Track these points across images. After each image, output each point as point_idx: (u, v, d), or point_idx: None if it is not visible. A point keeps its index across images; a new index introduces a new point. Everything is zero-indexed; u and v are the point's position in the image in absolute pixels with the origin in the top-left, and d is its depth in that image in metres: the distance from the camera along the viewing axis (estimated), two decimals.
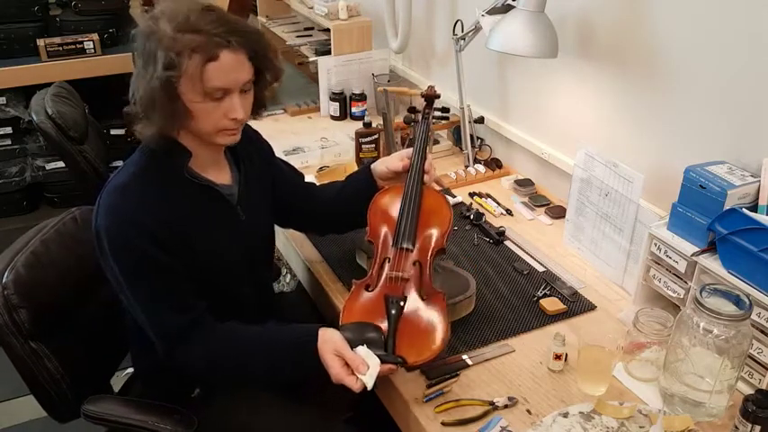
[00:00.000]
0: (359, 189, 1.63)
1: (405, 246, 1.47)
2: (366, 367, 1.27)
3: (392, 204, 1.55)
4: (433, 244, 1.49)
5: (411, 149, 1.60)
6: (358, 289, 1.45)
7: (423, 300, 1.40)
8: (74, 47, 3.51)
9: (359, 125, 2.27)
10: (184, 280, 1.37)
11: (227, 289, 1.47)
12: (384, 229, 1.52)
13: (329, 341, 1.30)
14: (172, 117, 1.29)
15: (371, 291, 1.44)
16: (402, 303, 1.38)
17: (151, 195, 1.34)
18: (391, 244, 1.49)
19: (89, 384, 1.57)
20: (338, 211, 1.66)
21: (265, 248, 1.62)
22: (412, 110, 1.97)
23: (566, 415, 1.30)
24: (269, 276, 1.72)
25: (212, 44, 1.25)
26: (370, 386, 1.26)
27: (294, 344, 1.35)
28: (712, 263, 1.37)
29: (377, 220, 1.54)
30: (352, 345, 1.30)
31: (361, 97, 2.60)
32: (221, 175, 1.46)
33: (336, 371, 1.28)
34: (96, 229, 1.35)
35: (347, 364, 1.28)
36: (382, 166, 1.62)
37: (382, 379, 1.43)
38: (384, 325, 1.35)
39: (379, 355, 1.29)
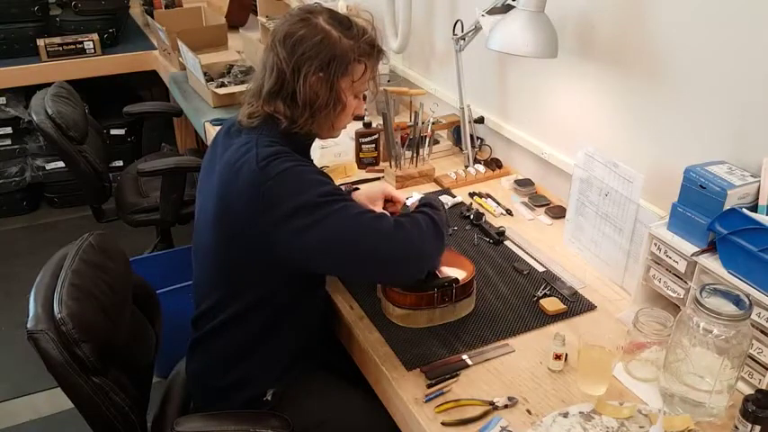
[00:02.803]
0: None
1: None
2: None
3: None
4: None
5: (390, 188, 1.75)
6: None
7: None
8: (74, 47, 3.51)
9: (359, 125, 2.27)
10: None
11: None
12: None
13: None
14: (334, 113, 1.46)
15: None
16: None
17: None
18: None
19: (144, 411, 1.54)
20: None
21: None
22: None
23: (566, 415, 1.30)
24: None
25: (379, 53, 1.49)
26: None
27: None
28: (712, 263, 1.37)
29: None
30: None
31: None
32: None
33: None
34: (265, 192, 1.33)
35: None
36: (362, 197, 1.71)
37: (382, 379, 1.43)
38: None
39: (435, 283, 1.49)
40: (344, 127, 1.56)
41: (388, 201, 1.72)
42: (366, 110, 2.58)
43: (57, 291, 1.38)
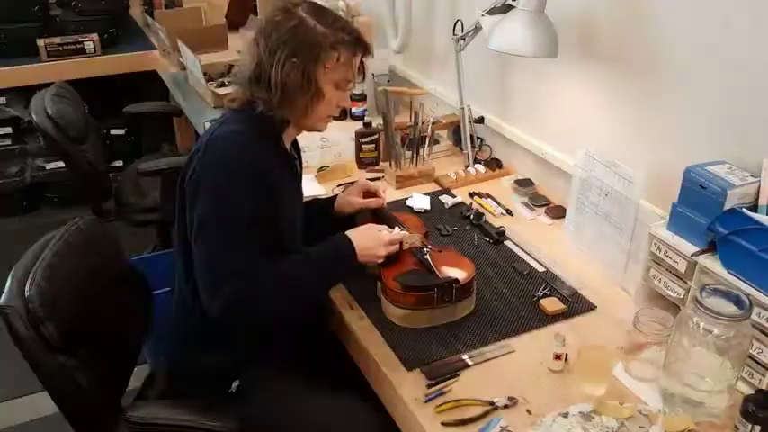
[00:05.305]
0: (315, 210, 1.78)
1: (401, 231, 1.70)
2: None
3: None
4: (419, 225, 1.79)
5: (367, 183, 1.81)
6: (385, 268, 1.58)
7: (439, 251, 1.65)
8: (74, 47, 3.51)
9: (359, 125, 2.27)
10: (263, 226, 1.44)
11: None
12: None
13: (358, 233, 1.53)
14: (310, 100, 1.46)
15: (398, 262, 1.60)
16: (426, 249, 1.63)
17: (259, 143, 1.46)
18: None
19: (116, 395, 1.55)
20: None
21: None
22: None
23: (566, 415, 1.30)
24: None
25: (359, 43, 1.48)
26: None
27: (334, 253, 1.51)
28: (712, 263, 1.37)
29: None
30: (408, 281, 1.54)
31: (361, 97, 2.59)
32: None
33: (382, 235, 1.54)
34: (201, 165, 1.43)
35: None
36: (344, 201, 1.78)
37: (382, 379, 1.43)
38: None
39: (435, 283, 1.50)
40: (328, 119, 1.55)
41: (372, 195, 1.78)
42: (366, 110, 2.60)
43: (33, 270, 1.42)
